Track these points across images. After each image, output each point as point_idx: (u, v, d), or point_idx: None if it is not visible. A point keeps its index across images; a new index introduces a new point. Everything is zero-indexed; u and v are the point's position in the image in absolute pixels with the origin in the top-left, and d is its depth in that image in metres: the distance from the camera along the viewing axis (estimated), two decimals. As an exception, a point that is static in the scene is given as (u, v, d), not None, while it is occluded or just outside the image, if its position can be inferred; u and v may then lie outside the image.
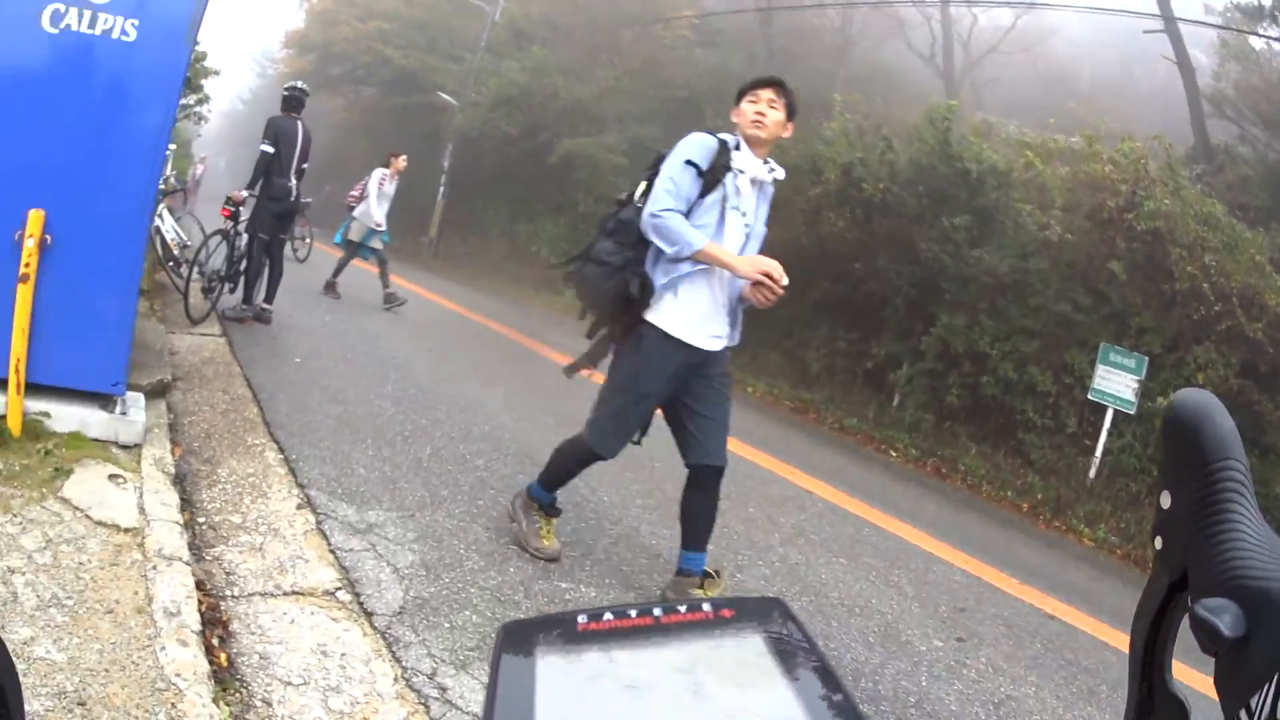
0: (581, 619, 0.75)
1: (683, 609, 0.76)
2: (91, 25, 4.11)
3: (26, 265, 4.01)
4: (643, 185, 4.01)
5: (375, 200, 11.37)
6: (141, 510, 3.81)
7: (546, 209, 19.99)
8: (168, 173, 10.54)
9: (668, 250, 3.75)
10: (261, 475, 4.73)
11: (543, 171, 20.13)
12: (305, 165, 9.05)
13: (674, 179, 3.80)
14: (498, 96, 21.43)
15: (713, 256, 3.75)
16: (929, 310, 11.00)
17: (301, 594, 3.54)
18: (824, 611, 4.57)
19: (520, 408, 7.38)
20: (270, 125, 8.85)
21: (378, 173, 11.48)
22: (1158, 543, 0.59)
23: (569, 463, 4.25)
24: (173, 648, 2.83)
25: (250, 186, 8.84)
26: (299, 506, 4.39)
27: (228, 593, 3.56)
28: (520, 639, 0.72)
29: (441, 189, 23.89)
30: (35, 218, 4.01)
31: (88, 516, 3.68)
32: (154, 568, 3.40)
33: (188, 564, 3.49)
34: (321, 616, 3.39)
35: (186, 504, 4.24)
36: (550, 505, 4.33)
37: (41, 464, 3.97)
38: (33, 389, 4.23)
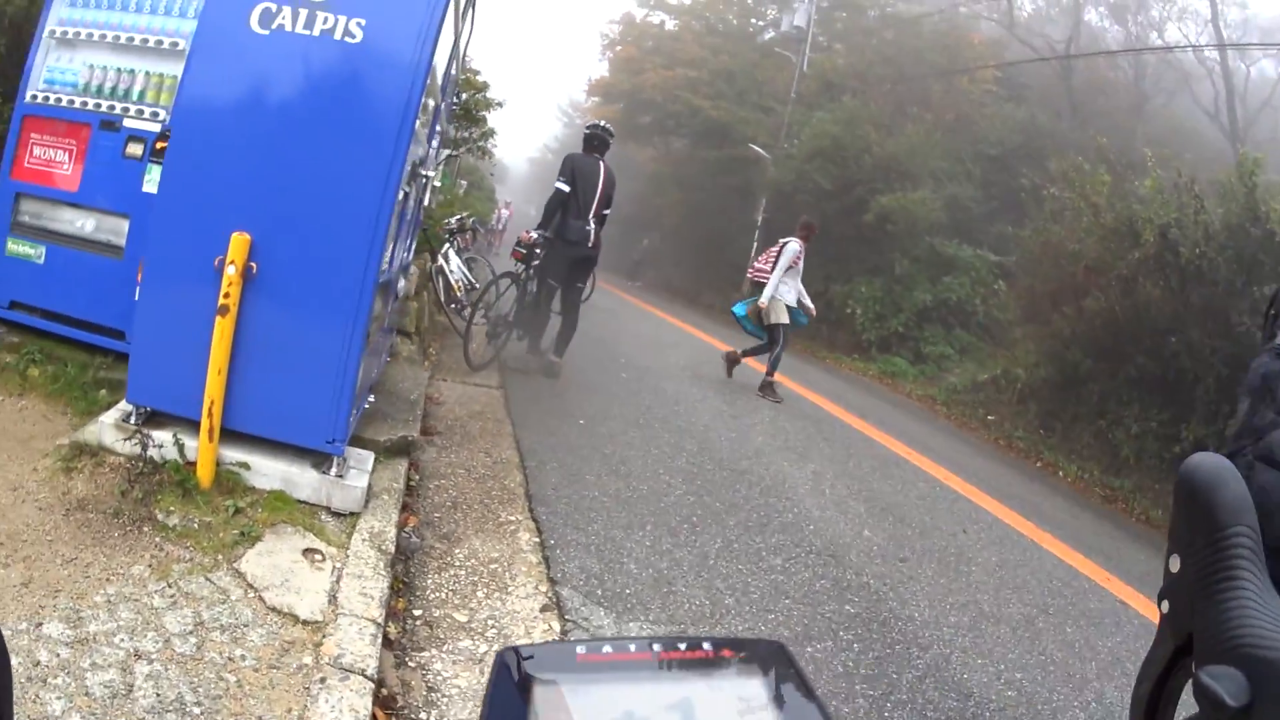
0: (580, 649, 0.74)
1: (683, 646, 0.76)
2: (308, 25, 3.56)
3: (226, 296, 3.46)
4: None
5: (784, 273, 9.59)
6: (332, 599, 3.12)
7: (862, 269, 18.85)
8: (462, 213, 10.37)
9: None
10: (508, 562, 4.02)
11: (857, 229, 19.09)
12: (607, 211, 8.33)
13: None
14: (811, 148, 20.52)
15: None
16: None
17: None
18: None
19: (829, 492, 6.37)
20: (567, 162, 8.25)
21: (794, 244, 9.71)
22: (1164, 606, 0.64)
23: None
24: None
25: (541, 227, 8.28)
26: (544, 608, 3.66)
27: (422, 716, 2.79)
28: (515, 667, 0.72)
29: (755, 245, 23.20)
30: (239, 242, 3.45)
31: (260, 599, 3.03)
32: (322, 680, 2.68)
33: (370, 679, 2.74)
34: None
35: (405, 589, 3.55)
36: None
37: (227, 524, 3.39)
38: (234, 437, 3.69)
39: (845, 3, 25.37)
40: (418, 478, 4.83)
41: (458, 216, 9.75)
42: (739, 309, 10.23)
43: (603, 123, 8.63)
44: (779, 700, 0.70)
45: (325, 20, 3.55)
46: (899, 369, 15.79)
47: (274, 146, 3.58)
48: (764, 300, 9.49)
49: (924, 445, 9.01)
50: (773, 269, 9.60)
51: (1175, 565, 0.62)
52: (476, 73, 8.43)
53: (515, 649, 0.75)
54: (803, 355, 16.93)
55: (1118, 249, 10.85)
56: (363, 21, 3.57)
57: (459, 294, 9.45)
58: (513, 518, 4.53)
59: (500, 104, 9.90)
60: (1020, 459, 10.55)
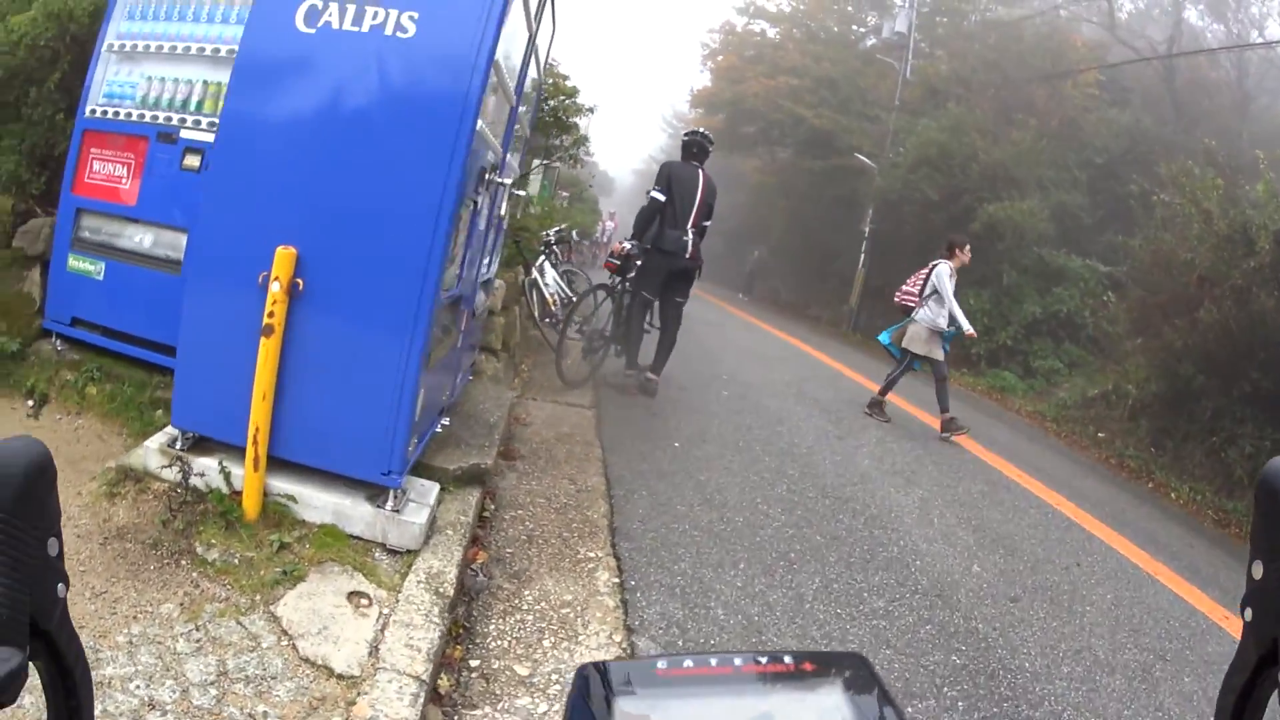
0: (661, 664, 0.77)
1: (764, 660, 0.78)
2: (357, 21, 3.29)
3: (271, 315, 3.20)
4: None
5: (951, 299, 8.67)
6: (374, 650, 2.81)
7: (969, 280, 18.05)
8: (561, 225, 9.99)
9: None
10: (581, 606, 3.69)
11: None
12: (707, 222, 7.94)
13: None
14: (917, 157, 19.93)
15: None
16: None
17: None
18: None
19: (937, 521, 5.92)
20: (663, 170, 7.85)
21: (944, 267, 8.82)
22: (1247, 614, 0.63)
23: None
24: None
25: (635, 237, 7.92)
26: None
27: (465, 788, 2.49)
28: (597, 682, 0.75)
29: (863, 256, 22.60)
30: (284, 256, 3.19)
31: (294, 647, 2.75)
32: (350, 748, 2.35)
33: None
34: None
35: (464, 635, 3.23)
36: None
37: (270, 561, 3.14)
38: (285, 466, 3.42)
39: (946, 7, 24.69)
40: (493, 507, 4.58)
41: (557, 228, 9.38)
42: (884, 337, 9.51)
43: (702, 130, 8.23)
44: (860, 713, 0.71)
45: (375, 15, 3.27)
46: (1008, 384, 15.29)
47: (321, 153, 3.31)
48: (967, 329, 8.76)
49: (1034, 466, 8.51)
50: (920, 293, 8.88)
51: (1259, 571, 0.61)
52: (565, 77, 8.05)
53: (596, 664, 0.77)
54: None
55: (1231, 257, 10.21)
56: (415, 15, 3.28)
57: (553, 308, 9.14)
58: (592, 554, 4.19)
59: (591, 110, 9.52)
60: (1131, 479, 9.94)
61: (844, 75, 25.59)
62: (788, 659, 0.77)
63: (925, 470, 7.20)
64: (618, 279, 8.07)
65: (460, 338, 4.67)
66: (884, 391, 9.10)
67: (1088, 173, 18.89)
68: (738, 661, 0.77)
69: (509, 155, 4.95)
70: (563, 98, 7.73)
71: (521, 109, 5.16)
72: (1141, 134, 18.90)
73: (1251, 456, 9.63)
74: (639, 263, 7.90)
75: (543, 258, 9.47)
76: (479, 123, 3.39)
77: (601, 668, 0.77)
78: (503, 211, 5.28)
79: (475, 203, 4.03)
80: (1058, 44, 21.43)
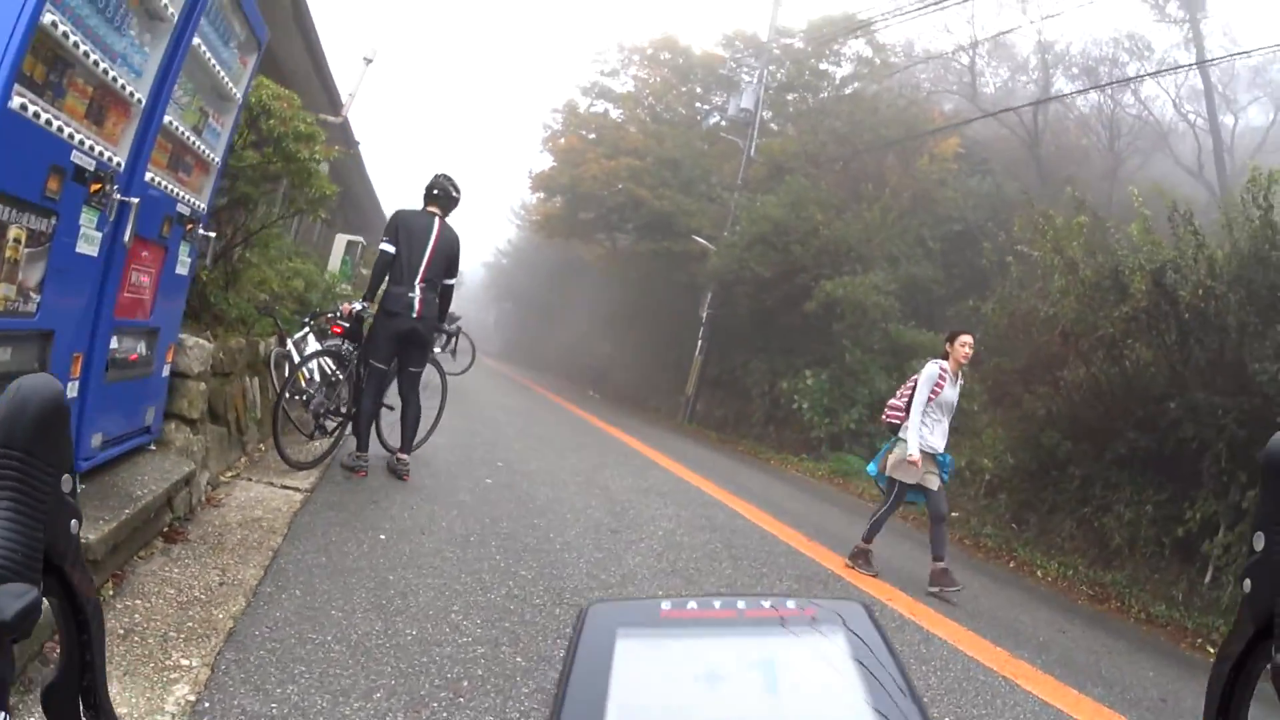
0: (665, 605, 0.79)
1: (767, 604, 0.79)
2: None
3: None
4: None
5: (921, 412, 7.06)
6: None
7: (809, 360, 17.71)
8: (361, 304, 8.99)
9: None
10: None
11: (804, 320, 18.04)
12: (449, 280, 7.09)
13: None
14: (751, 234, 19.33)
15: None
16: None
17: None
18: None
19: None
20: (393, 219, 6.99)
21: (931, 368, 7.18)
22: (1246, 585, 0.61)
23: None
24: None
25: (367, 298, 7.15)
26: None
27: None
28: (601, 620, 0.76)
29: (700, 342, 22.13)
30: None
31: None
32: None
33: None
34: None
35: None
36: None
37: None
38: None
39: (799, 83, 24.42)
40: (111, 593, 3.63)
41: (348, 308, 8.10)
42: (871, 468, 7.69)
43: (445, 173, 7.26)
44: (860, 659, 0.71)
45: None
46: (851, 467, 14.56)
47: None
48: (912, 452, 6.83)
49: None
50: (908, 406, 7.17)
51: (1260, 543, 0.60)
52: (294, 97, 6.73)
53: (601, 602, 0.79)
54: (743, 457, 15.69)
55: (1101, 306, 9.65)
56: None
57: (303, 384, 8.01)
58: (186, 661, 3.15)
59: (343, 152, 8.25)
60: (989, 560, 9.39)
61: (688, 155, 25.18)
62: (791, 603, 0.78)
63: (718, 567, 6.21)
64: (347, 344, 7.13)
65: (86, 389, 3.74)
66: (868, 537, 7.09)
67: (944, 244, 18.74)
68: (741, 604, 0.78)
69: (170, 179, 4.08)
70: (272, 114, 6.44)
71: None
72: (1003, 201, 18.78)
73: (1131, 523, 9.10)
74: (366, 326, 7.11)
75: (306, 330, 8.45)
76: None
77: (605, 605, 0.78)
78: (185, 257, 4.35)
79: (54, 214, 3.12)
80: (914, 116, 21.47)
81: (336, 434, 7.20)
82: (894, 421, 7.30)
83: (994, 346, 11.80)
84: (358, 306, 7.10)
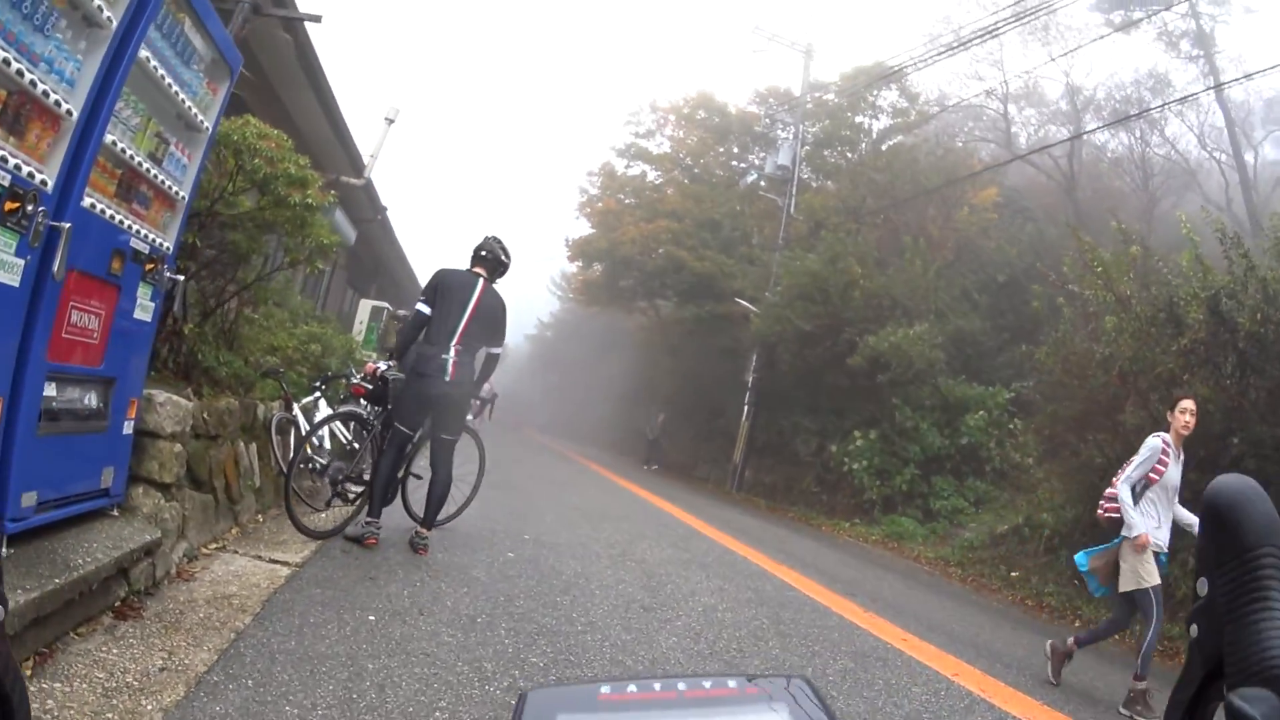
0: (604, 689, 0.79)
1: (707, 684, 0.81)
2: None
3: None
4: None
5: (1137, 492, 5.89)
6: None
7: (858, 421, 17.06)
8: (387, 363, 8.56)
9: None
10: None
11: (852, 379, 17.56)
12: (495, 349, 6.70)
13: None
14: (792, 291, 18.89)
15: None
16: (1330, 486, 7.66)
17: None
18: None
19: None
20: (433, 278, 6.52)
21: (1153, 441, 5.93)
22: (1193, 630, 0.64)
23: None
24: None
25: (395, 357, 6.68)
26: None
27: None
28: (541, 706, 0.76)
29: (746, 408, 21.52)
30: None
31: None
32: None
33: None
34: None
35: None
36: None
37: None
38: None
39: (836, 138, 24.12)
40: (29, 673, 3.08)
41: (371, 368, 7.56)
42: (1081, 559, 6.25)
43: (496, 236, 6.80)
44: None
45: None
46: (905, 530, 14.00)
47: None
48: (1136, 528, 5.67)
49: (928, 624, 7.06)
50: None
51: (1204, 588, 0.64)
52: (285, 140, 6.14)
53: (539, 690, 0.79)
54: (793, 524, 14.98)
55: (1158, 341, 9.15)
56: None
57: (309, 451, 7.47)
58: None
59: (331, 193, 7.62)
60: (1053, 621, 8.75)
61: (727, 216, 24.93)
62: (732, 682, 0.81)
63: (764, 647, 5.46)
64: (371, 407, 6.66)
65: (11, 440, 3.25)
66: (1141, 673, 5.47)
67: (989, 295, 18.27)
68: (682, 686, 0.79)
69: (119, 210, 3.82)
70: (287, 166, 5.90)
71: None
72: (1046, 246, 18.20)
73: (1195, 570, 8.17)
74: (393, 389, 6.60)
75: (317, 395, 7.95)
76: None
77: (542, 693, 0.78)
78: (146, 300, 3.88)
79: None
80: (952, 164, 21.05)
81: (359, 502, 6.70)
82: (1114, 515, 5.93)
83: (1048, 393, 11.44)
84: (382, 366, 6.65)
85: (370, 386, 6.66)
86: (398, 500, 6.84)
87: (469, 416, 6.96)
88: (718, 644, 5.34)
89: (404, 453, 6.58)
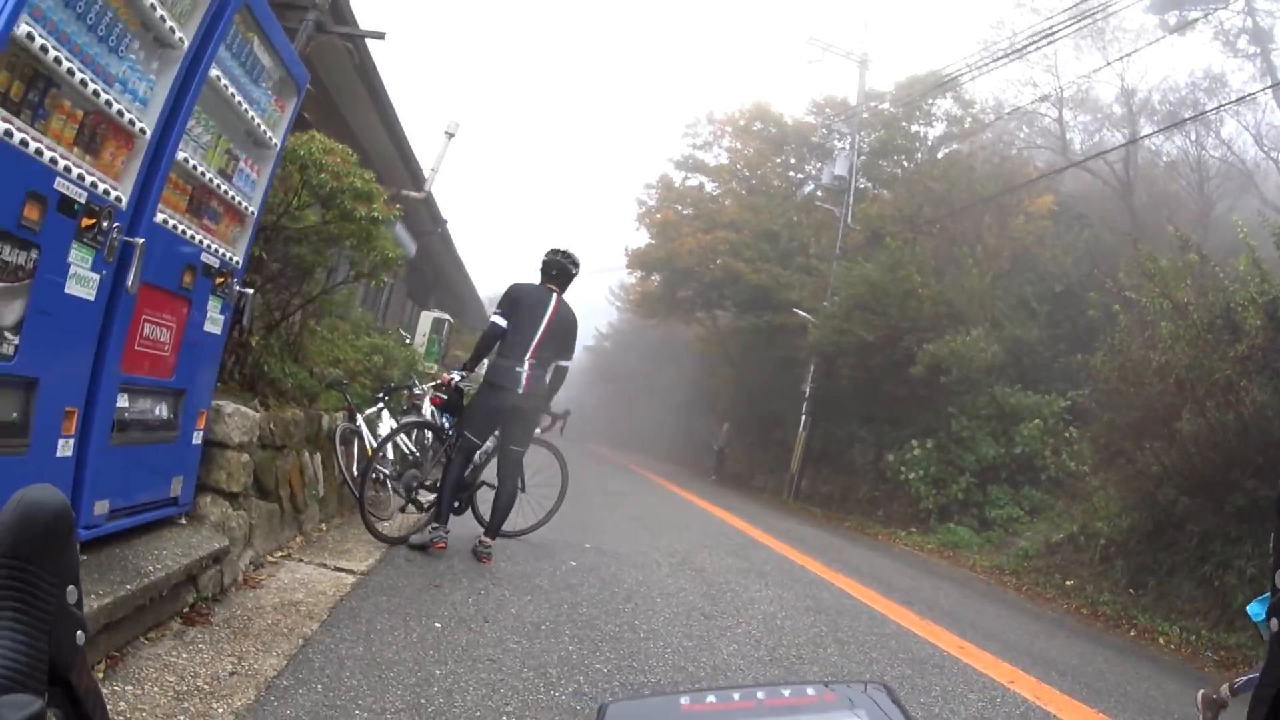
0: (684, 700, 0.77)
1: (787, 692, 0.80)
2: None
3: None
4: None
5: None
6: None
7: (916, 430, 16.92)
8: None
9: None
10: None
11: (910, 389, 17.52)
12: (564, 361, 6.75)
13: None
14: (850, 301, 18.89)
15: None
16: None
17: None
18: None
19: None
20: (509, 292, 6.68)
21: None
22: (1274, 625, 0.64)
23: None
24: None
25: (467, 367, 6.95)
26: None
27: None
28: None
29: (803, 418, 21.43)
30: None
31: None
32: None
33: None
34: None
35: None
36: None
37: None
38: None
39: (892, 147, 24.10)
40: (102, 676, 3.13)
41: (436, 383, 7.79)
42: (1255, 610, 5.10)
43: (564, 249, 6.92)
44: None
45: None
46: (961, 539, 14.00)
47: None
48: None
49: (984, 632, 7.03)
50: None
51: None
52: (350, 154, 6.25)
53: (620, 703, 0.81)
54: (850, 533, 14.92)
55: (1215, 347, 8.97)
56: None
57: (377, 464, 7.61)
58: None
59: (399, 215, 7.76)
60: (1109, 629, 8.70)
61: (784, 227, 25.02)
62: (811, 690, 0.80)
63: (823, 654, 5.45)
64: (447, 416, 6.89)
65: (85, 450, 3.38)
66: (1240, 689, 5.00)
67: (1047, 304, 18.05)
68: (761, 695, 0.78)
69: (191, 225, 3.97)
70: (334, 175, 5.96)
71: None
72: (1103, 253, 18.02)
73: (1254, 579, 8.19)
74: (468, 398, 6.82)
75: (381, 406, 8.08)
76: None
77: (624, 706, 0.81)
78: (216, 314, 3.97)
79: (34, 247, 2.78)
80: (1008, 171, 20.95)
81: (432, 510, 6.83)
82: None
83: (1104, 401, 11.30)
84: (456, 377, 6.84)
85: (446, 396, 6.87)
86: (469, 510, 6.98)
87: (538, 430, 7.05)
88: (777, 651, 5.35)
89: (470, 461, 6.69)
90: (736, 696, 0.78)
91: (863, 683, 0.82)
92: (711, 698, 0.78)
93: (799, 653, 5.39)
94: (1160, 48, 28.98)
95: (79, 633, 0.63)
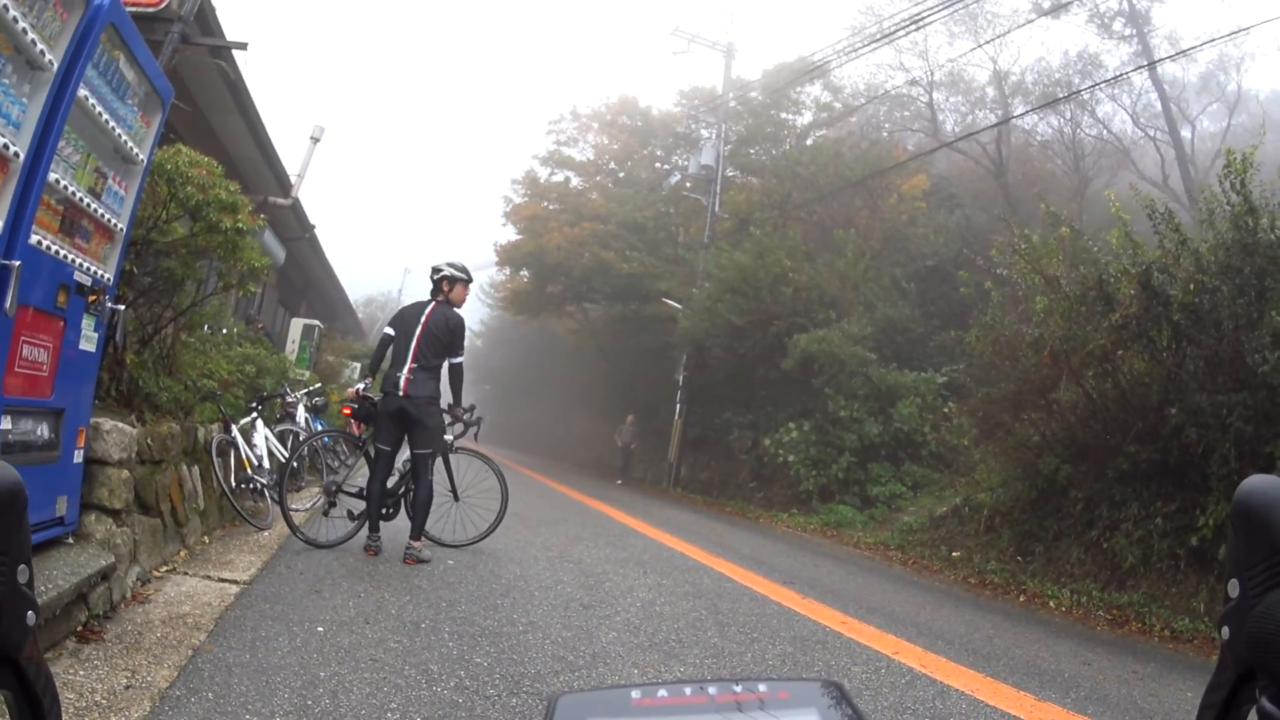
0: (635, 694, 0.80)
1: (739, 688, 0.82)
2: None
3: None
4: None
5: None
6: None
7: (792, 413, 17.34)
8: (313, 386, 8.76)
9: None
10: None
11: (783, 374, 17.64)
12: (453, 358, 7.07)
13: None
14: (720, 286, 19.03)
15: None
16: (1269, 448, 7.71)
17: None
18: None
19: None
20: (397, 311, 7.47)
21: None
22: (1224, 633, 0.63)
23: None
24: None
25: (369, 375, 7.50)
26: None
27: None
28: (571, 711, 0.78)
29: (678, 406, 21.81)
30: None
31: None
32: None
33: None
34: None
35: None
36: None
37: None
38: None
39: (760, 135, 24.32)
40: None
41: (309, 389, 7.97)
42: None
43: (449, 262, 7.28)
44: None
45: None
46: (844, 518, 14.22)
47: None
48: None
49: (868, 607, 7.22)
50: None
51: (1235, 590, 0.61)
52: (216, 166, 6.18)
53: (570, 695, 0.81)
54: (731, 518, 15.19)
55: (1088, 319, 9.22)
56: None
57: (249, 471, 7.66)
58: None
59: (261, 216, 7.80)
60: (997, 597, 8.84)
61: (651, 217, 25.17)
62: (763, 686, 0.80)
63: (703, 636, 5.58)
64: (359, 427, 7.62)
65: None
66: None
67: (918, 282, 18.50)
68: (712, 690, 0.80)
69: (63, 245, 3.87)
70: (217, 192, 5.91)
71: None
72: (974, 233, 18.56)
73: (1142, 540, 8.53)
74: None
75: (255, 416, 8.10)
76: None
77: (574, 698, 0.80)
78: (90, 331, 3.95)
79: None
80: (877, 156, 21.26)
81: (360, 518, 7.15)
82: None
83: (980, 377, 11.47)
84: (360, 387, 7.25)
85: (356, 405, 7.24)
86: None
87: (449, 437, 7.39)
88: (656, 636, 5.49)
89: (390, 469, 7.13)
90: (688, 691, 0.79)
91: (815, 679, 0.85)
92: (663, 691, 0.79)
93: (679, 637, 5.54)
94: (1034, 31, 29.92)
95: (30, 613, 0.60)
